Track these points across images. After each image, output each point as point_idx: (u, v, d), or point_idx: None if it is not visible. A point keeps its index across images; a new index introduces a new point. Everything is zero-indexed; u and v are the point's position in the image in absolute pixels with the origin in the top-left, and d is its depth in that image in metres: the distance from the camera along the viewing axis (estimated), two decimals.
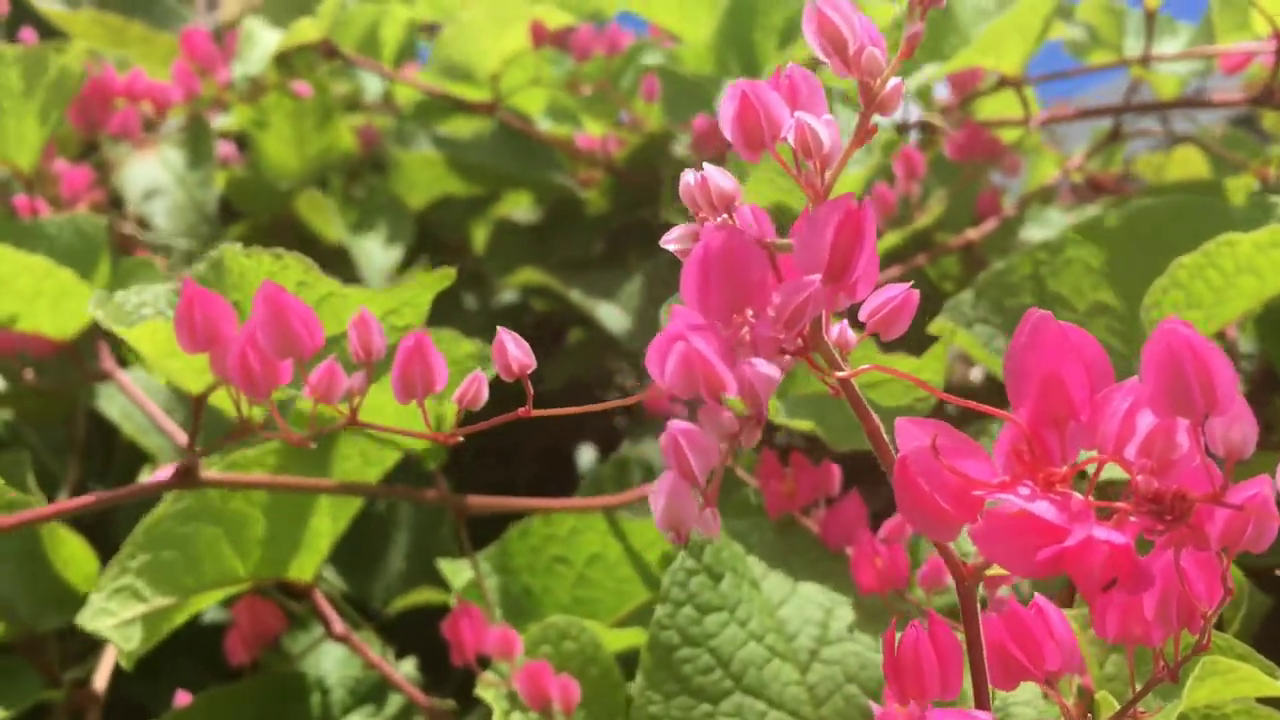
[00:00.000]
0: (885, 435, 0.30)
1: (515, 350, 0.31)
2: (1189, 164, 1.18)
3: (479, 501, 0.58)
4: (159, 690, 0.73)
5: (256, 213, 0.98)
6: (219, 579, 0.56)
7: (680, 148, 1.03)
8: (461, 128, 1.19)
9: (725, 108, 0.27)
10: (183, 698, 0.62)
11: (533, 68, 0.87)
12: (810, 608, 0.52)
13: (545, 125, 0.93)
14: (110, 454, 0.92)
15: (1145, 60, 0.81)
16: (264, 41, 0.82)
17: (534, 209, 1.18)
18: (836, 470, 0.56)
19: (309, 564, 0.61)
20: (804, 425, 0.54)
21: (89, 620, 0.51)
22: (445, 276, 0.44)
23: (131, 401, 0.77)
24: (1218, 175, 1.07)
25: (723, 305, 0.26)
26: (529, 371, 0.32)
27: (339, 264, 1.10)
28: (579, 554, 0.63)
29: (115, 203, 0.97)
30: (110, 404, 0.77)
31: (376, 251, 0.95)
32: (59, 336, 0.72)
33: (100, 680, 0.69)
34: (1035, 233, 0.89)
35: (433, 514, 0.92)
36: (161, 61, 1.05)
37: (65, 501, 0.50)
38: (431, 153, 1.00)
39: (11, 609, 0.69)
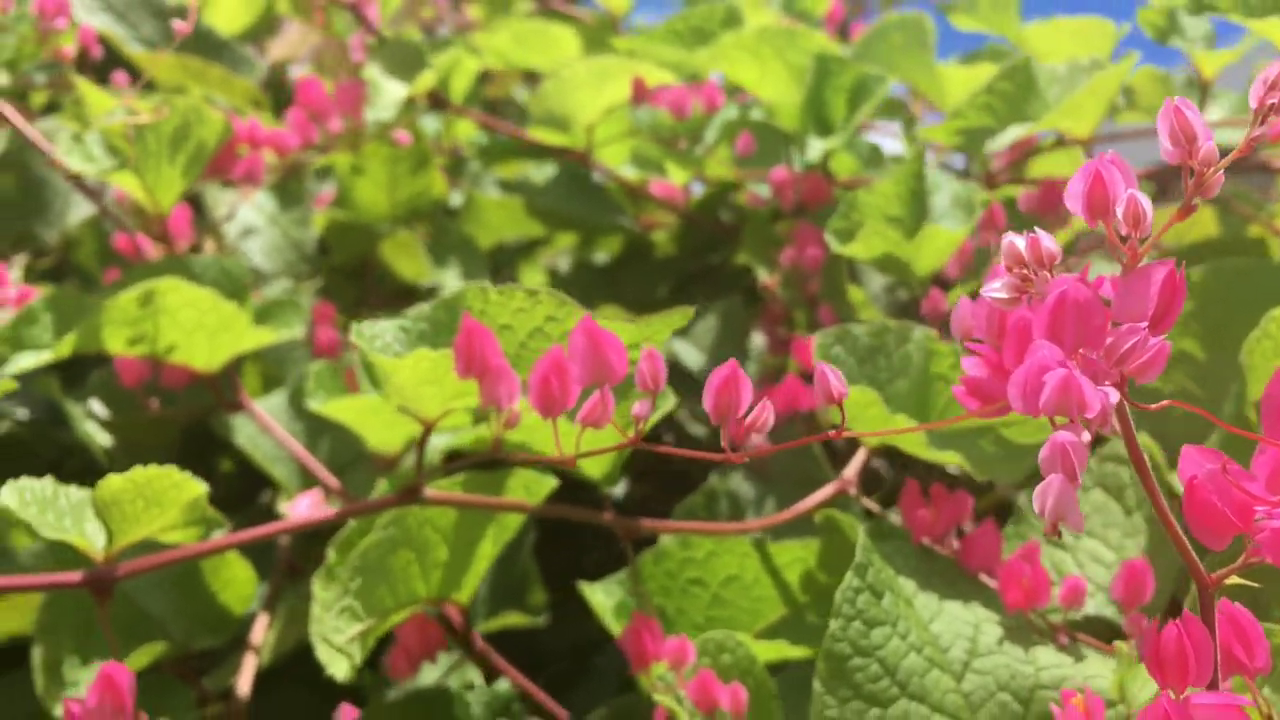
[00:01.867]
0: (1147, 466, 0.36)
1: (835, 382, 0.36)
2: (1198, 218, 1.26)
3: (650, 524, 0.63)
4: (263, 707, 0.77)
5: (346, 253, 1.02)
6: (407, 600, 0.60)
7: (740, 196, 1.10)
8: (514, 171, 1.24)
9: (1076, 182, 0.32)
10: (349, 713, 0.65)
11: (626, 120, 0.93)
12: (958, 624, 0.57)
13: (629, 173, 0.99)
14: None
15: None
16: (391, 90, 0.87)
17: (579, 251, 1.24)
18: (970, 500, 0.61)
19: (470, 586, 0.66)
20: (951, 459, 0.60)
21: (328, 635, 0.54)
22: (684, 315, 0.50)
23: (262, 431, 0.81)
24: (1226, 229, 1.14)
25: (1073, 344, 0.31)
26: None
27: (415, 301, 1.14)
28: (715, 576, 0.68)
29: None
30: (239, 433, 0.81)
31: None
32: (205, 368, 0.76)
33: (243, 690, 0.73)
34: None
35: (513, 543, 0.97)
36: (241, 102, 1.10)
37: (279, 523, 0.54)
38: (507, 196, 1.05)
39: (163, 628, 0.73)
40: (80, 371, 0.96)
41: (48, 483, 0.52)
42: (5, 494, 0.49)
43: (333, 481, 0.75)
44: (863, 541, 0.55)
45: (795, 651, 0.64)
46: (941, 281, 0.83)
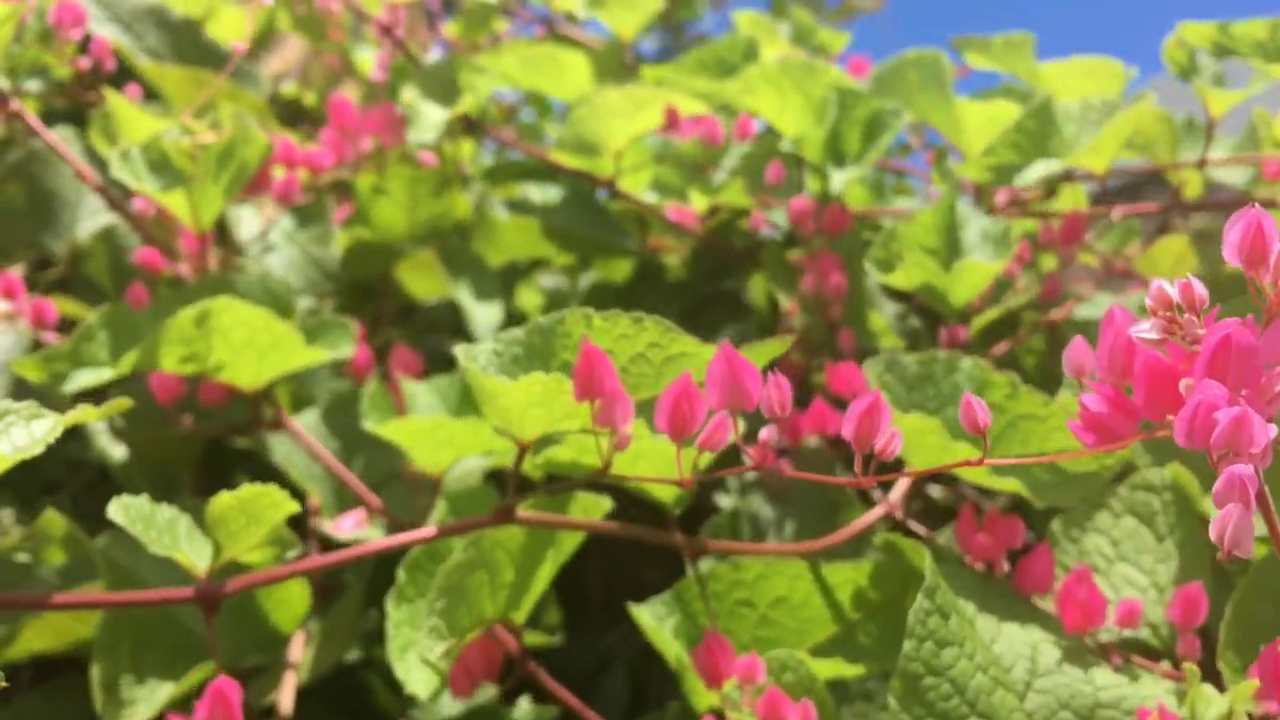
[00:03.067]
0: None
1: (982, 413, 0.38)
2: (1173, 251, 1.30)
3: (715, 545, 0.64)
4: None
5: (363, 271, 1.03)
6: (478, 621, 0.61)
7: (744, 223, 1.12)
8: (512, 192, 1.25)
9: (1234, 232, 0.34)
10: None
11: (653, 148, 0.95)
12: (1017, 644, 0.60)
13: (651, 198, 1.00)
14: None
15: (1201, 164, 0.92)
16: (431, 114, 0.88)
17: (577, 273, 1.25)
18: (1022, 525, 0.64)
19: (527, 607, 0.67)
20: (1011, 486, 0.62)
21: (424, 652, 0.55)
22: (782, 344, 0.51)
23: (296, 448, 0.82)
24: (1205, 265, 1.19)
25: (1235, 384, 0.33)
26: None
27: (437, 319, 1.15)
28: (764, 597, 0.69)
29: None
30: (275, 451, 0.81)
31: (480, 309, 1.00)
32: (249, 386, 0.76)
33: (286, 707, 0.73)
34: (1088, 311, 0.99)
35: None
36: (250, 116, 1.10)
37: (369, 544, 0.55)
38: (517, 217, 1.07)
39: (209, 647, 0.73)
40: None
41: (145, 500, 0.52)
42: (113, 510, 0.49)
43: (374, 500, 0.75)
44: (930, 565, 0.57)
45: (850, 670, 0.66)
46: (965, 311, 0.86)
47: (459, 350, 0.52)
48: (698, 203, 0.99)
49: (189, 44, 1.21)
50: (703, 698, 0.66)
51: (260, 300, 0.76)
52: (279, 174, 0.85)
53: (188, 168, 0.76)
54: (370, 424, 0.72)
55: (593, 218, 1.11)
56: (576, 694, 0.69)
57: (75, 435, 0.93)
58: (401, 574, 0.62)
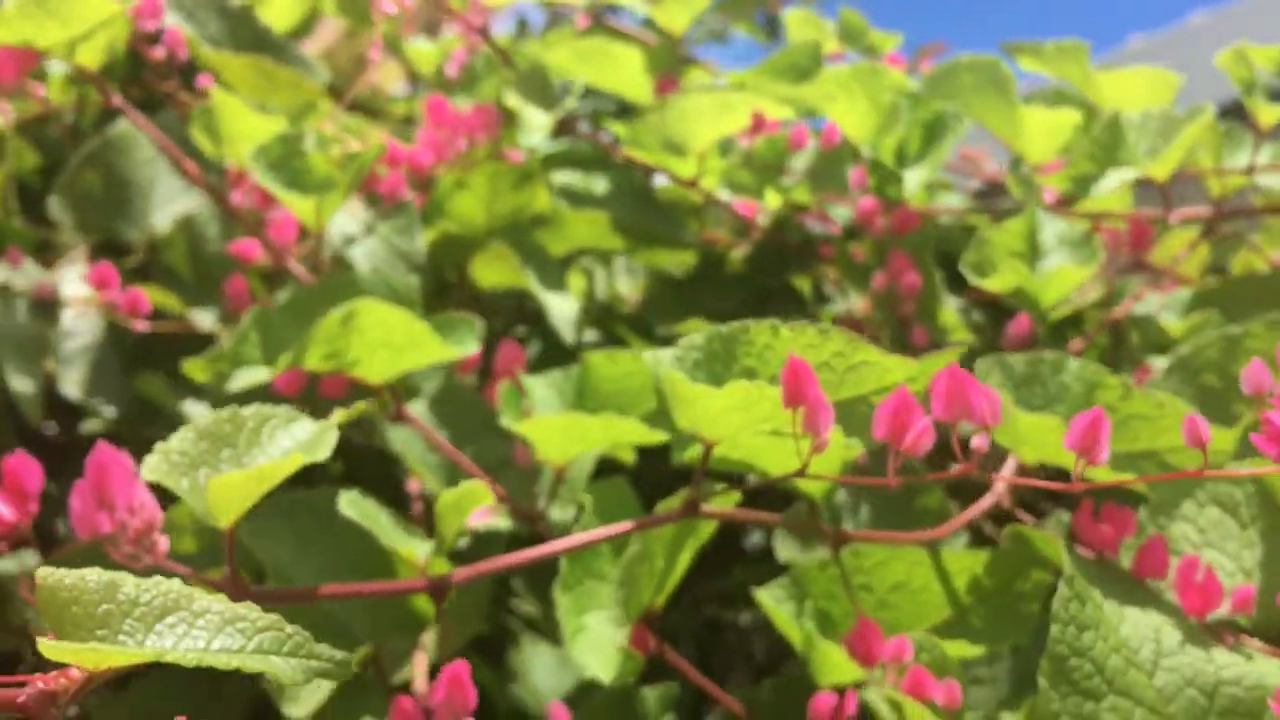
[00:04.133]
0: None
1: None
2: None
3: (858, 534, 0.69)
4: None
5: (445, 264, 1.05)
6: (641, 606, 0.65)
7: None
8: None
9: None
10: (560, 713, 0.69)
11: (743, 150, 0.99)
12: (1141, 628, 0.65)
13: (725, 195, 1.04)
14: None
15: (1250, 170, 0.97)
16: (536, 118, 0.91)
17: (609, 261, 1.29)
18: (1134, 516, 0.69)
19: (667, 593, 0.71)
20: (1126, 477, 0.67)
21: (616, 641, 0.59)
22: (956, 352, 0.55)
23: (413, 437, 0.85)
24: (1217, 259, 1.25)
25: None
26: None
27: (499, 307, 1.18)
28: (883, 582, 0.74)
29: None
30: (394, 440, 0.85)
31: (555, 300, 1.03)
32: (378, 381, 0.79)
33: (420, 684, 0.76)
34: (1143, 309, 1.05)
35: None
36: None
37: (575, 537, 0.59)
38: (590, 210, 1.10)
39: (348, 629, 0.76)
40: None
41: (367, 499, 0.55)
42: (344, 504, 0.53)
43: (499, 488, 0.79)
44: (1067, 554, 0.62)
45: (972, 651, 0.71)
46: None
47: (647, 357, 0.56)
48: (772, 201, 1.03)
49: (245, 30, 1.23)
50: (833, 674, 0.70)
51: (385, 297, 0.79)
52: (383, 172, 0.88)
53: (334, 175, 0.79)
54: (508, 421, 0.75)
55: (653, 211, 1.15)
56: None
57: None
58: (564, 563, 0.66)
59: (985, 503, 0.74)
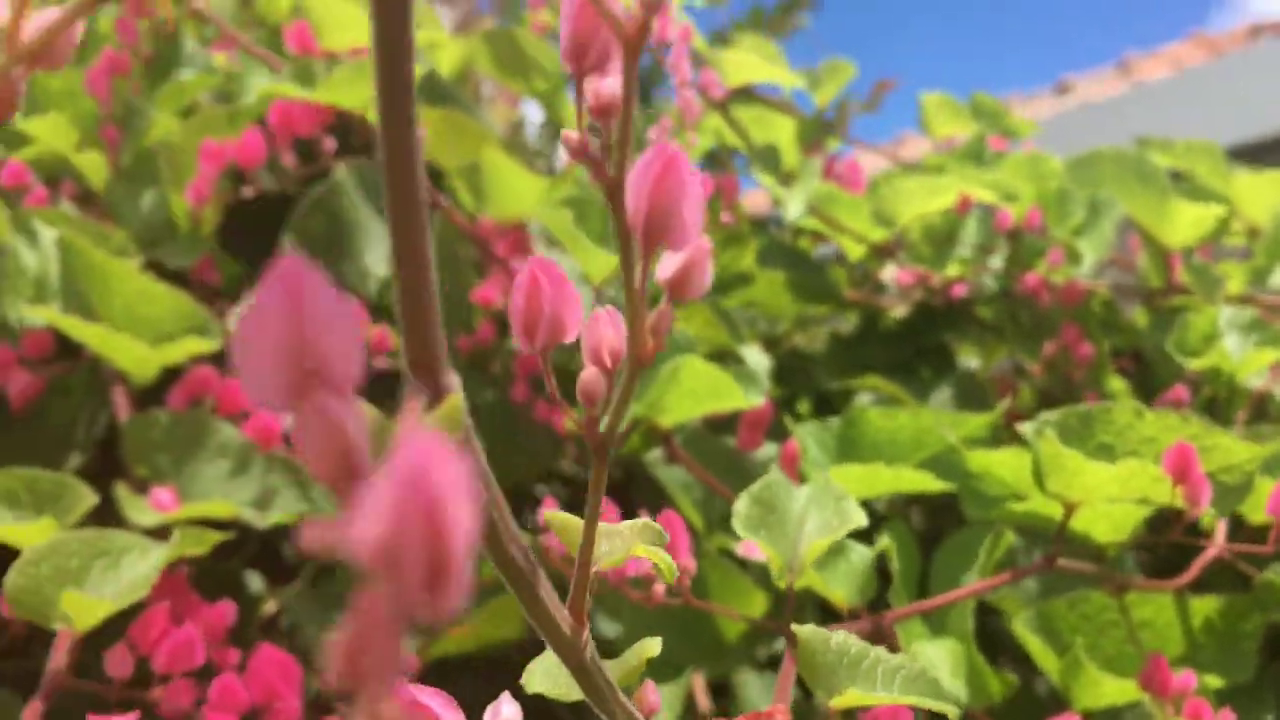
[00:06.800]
0: None
1: None
2: None
3: (1138, 583, 0.80)
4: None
5: None
6: None
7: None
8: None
9: None
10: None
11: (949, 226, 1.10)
12: None
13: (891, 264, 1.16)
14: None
15: None
16: (794, 198, 1.01)
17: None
18: None
19: None
20: None
21: None
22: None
23: (682, 474, 0.94)
24: None
25: None
26: None
27: None
28: (1131, 620, 0.85)
29: None
30: (658, 471, 0.94)
31: (751, 354, 1.13)
32: (668, 424, 0.88)
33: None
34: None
35: None
36: None
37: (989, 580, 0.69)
38: (770, 271, 1.20)
39: (669, 661, 0.84)
40: None
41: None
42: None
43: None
44: None
45: (1217, 683, 0.82)
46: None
47: (1023, 428, 0.67)
48: (951, 270, 1.14)
49: (430, 82, 1.31)
50: (1095, 698, 0.81)
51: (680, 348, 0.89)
52: None
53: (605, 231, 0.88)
54: (810, 469, 0.85)
55: (815, 273, 1.25)
56: None
57: None
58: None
59: (1209, 554, 0.86)
